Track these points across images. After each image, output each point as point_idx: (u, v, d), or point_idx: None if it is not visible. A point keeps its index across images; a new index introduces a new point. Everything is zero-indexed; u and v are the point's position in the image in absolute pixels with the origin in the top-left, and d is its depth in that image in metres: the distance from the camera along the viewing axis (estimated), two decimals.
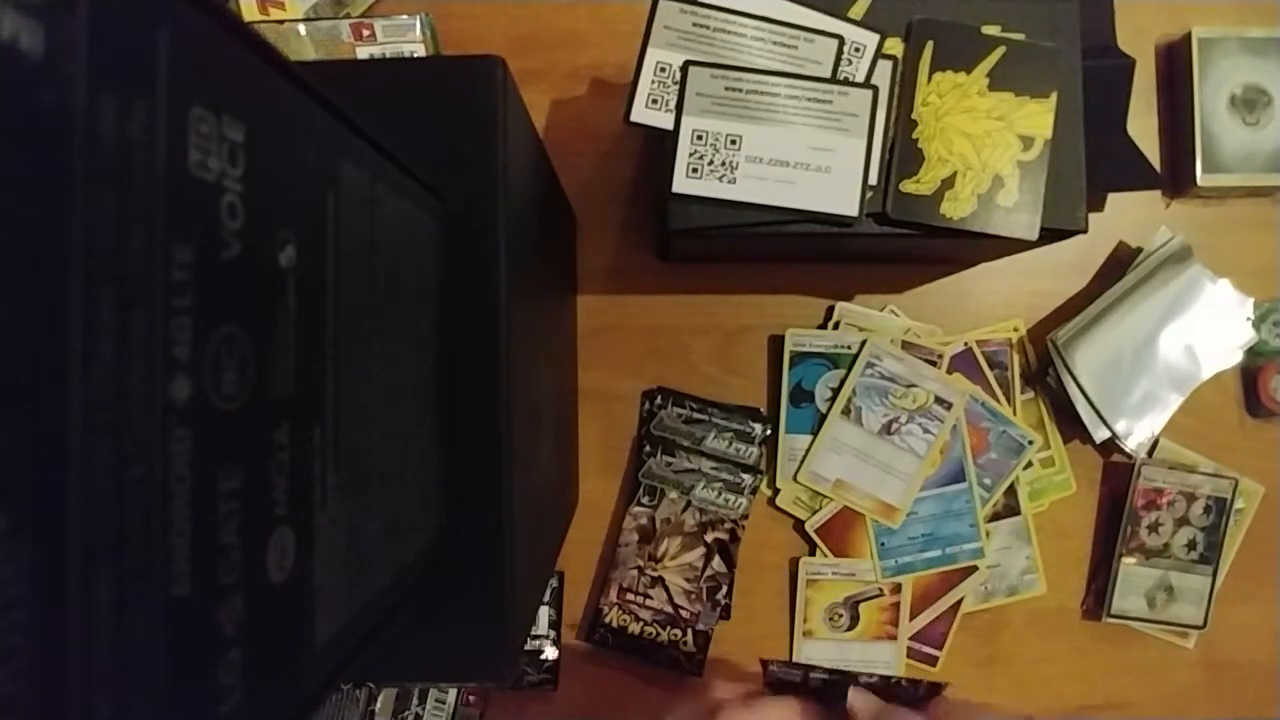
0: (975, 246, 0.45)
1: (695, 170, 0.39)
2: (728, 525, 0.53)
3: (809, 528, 0.54)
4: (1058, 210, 0.40)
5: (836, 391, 0.54)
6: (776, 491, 0.54)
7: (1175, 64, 0.56)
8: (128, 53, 0.11)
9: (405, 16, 0.53)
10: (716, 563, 0.53)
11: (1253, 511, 0.55)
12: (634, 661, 0.53)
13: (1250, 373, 0.56)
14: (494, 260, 0.28)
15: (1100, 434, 0.53)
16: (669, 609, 0.53)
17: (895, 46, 0.40)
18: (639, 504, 0.53)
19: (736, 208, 0.39)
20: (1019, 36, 0.40)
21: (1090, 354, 0.52)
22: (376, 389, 0.21)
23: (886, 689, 0.36)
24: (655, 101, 0.39)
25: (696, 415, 0.54)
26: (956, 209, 0.40)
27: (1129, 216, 0.56)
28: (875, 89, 0.39)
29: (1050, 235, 0.41)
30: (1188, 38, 0.54)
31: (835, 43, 0.39)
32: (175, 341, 0.12)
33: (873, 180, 0.39)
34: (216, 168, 0.13)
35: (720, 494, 0.53)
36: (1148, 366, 0.53)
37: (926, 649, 0.54)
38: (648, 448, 0.54)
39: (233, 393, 0.13)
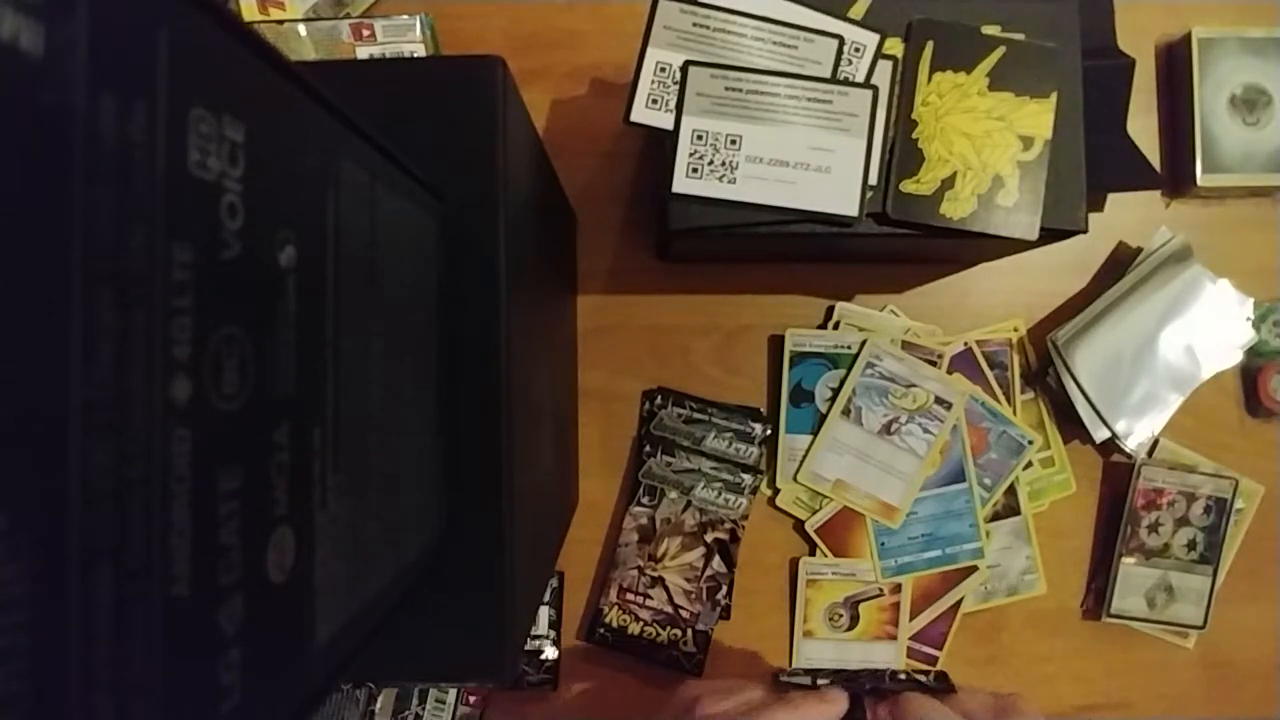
0: (975, 246, 0.45)
1: (695, 170, 0.39)
2: (728, 525, 0.53)
3: (809, 528, 0.54)
4: (1058, 210, 0.40)
5: (836, 391, 0.54)
6: (776, 491, 0.54)
7: (1175, 64, 0.56)
8: (128, 53, 0.11)
9: (405, 16, 0.53)
10: (716, 563, 0.53)
11: (1253, 511, 0.55)
12: (634, 661, 0.53)
13: (1250, 373, 0.56)
14: (494, 260, 0.28)
15: (1100, 434, 0.53)
16: (669, 609, 0.53)
17: (895, 46, 0.40)
18: (639, 504, 0.53)
19: (736, 208, 0.39)
20: (1019, 36, 0.40)
21: (1090, 354, 0.52)
22: (376, 389, 0.21)
23: (905, 686, 0.36)
24: (655, 101, 0.39)
25: (696, 415, 0.54)
26: (956, 209, 0.40)
27: (1129, 216, 0.56)
28: (875, 89, 0.39)
29: (1050, 235, 0.41)
30: (1188, 38, 0.54)
31: (835, 43, 0.39)
32: (175, 341, 0.12)
33: (873, 180, 0.39)
34: (216, 168, 0.13)
35: (720, 494, 0.53)
36: (1148, 366, 0.53)
37: (926, 649, 0.54)
38: (648, 448, 0.53)
39: (233, 393, 0.13)
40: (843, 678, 0.37)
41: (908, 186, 0.40)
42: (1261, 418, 0.56)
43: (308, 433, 0.17)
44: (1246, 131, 0.54)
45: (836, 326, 0.54)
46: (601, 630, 0.53)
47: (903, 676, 0.37)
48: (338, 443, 0.18)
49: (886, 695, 0.36)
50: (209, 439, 0.13)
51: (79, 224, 0.10)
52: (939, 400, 0.53)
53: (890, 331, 0.54)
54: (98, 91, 0.10)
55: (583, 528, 0.54)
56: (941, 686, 0.36)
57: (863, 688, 0.36)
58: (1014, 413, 0.55)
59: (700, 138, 0.39)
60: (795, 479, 0.54)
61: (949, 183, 0.40)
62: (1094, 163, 0.41)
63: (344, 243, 0.19)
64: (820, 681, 0.37)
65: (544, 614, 0.53)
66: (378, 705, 0.52)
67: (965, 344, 0.55)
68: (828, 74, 0.39)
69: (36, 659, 0.09)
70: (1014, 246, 0.42)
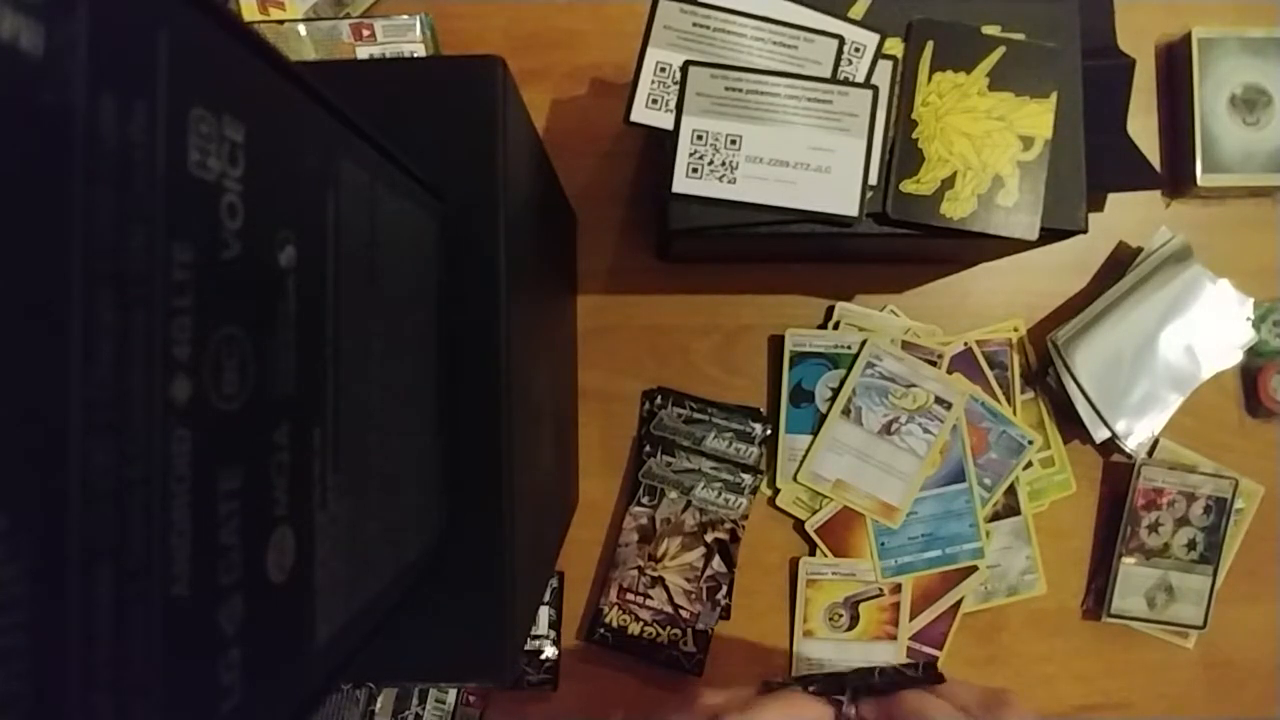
0: (975, 246, 0.45)
1: (695, 170, 0.39)
2: (728, 525, 0.53)
3: (809, 528, 0.54)
4: (1058, 210, 0.40)
5: (836, 391, 0.54)
6: (776, 491, 0.54)
7: (1175, 64, 0.56)
8: (128, 53, 0.11)
9: (405, 16, 0.53)
10: (716, 563, 0.53)
11: (1253, 511, 0.55)
12: (634, 661, 0.53)
13: (1250, 373, 0.56)
14: (494, 260, 0.28)
15: (1100, 434, 0.53)
16: (669, 609, 0.53)
17: (895, 46, 0.40)
18: (639, 504, 0.53)
19: (736, 208, 0.39)
20: (1019, 36, 0.40)
21: (1090, 354, 0.52)
22: (376, 389, 0.21)
23: (898, 681, 0.36)
24: (655, 101, 0.39)
25: (696, 415, 0.54)
26: (956, 209, 0.40)
27: (1129, 216, 0.56)
28: (875, 89, 0.39)
29: (1050, 235, 0.41)
30: (1188, 38, 0.54)
31: (835, 43, 0.39)
32: (175, 341, 0.12)
33: (873, 180, 0.39)
34: (216, 168, 0.13)
35: (720, 494, 0.53)
36: (1148, 366, 0.53)
37: (926, 649, 0.54)
38: (648, 448, 0.53)
39: (233, 393, 0.13)
40: (832, 679, 0.37)
41: (908, 186, 0.40)
42: (1261, 418, 0.56)
43: (308, 433, 0.17)
44: (1246, 131, 0.54)
45: (836, 326, 0.54)
46: (601, 630, 0.53)
47: (890, 670, 0.37)
48: (338, 443, 0.18)
49: (877, 693, 0.36)
50: (209, 439, 0.13)
51: (79, 224, 0.10)
52: (939, 400, 0.53)
53: (890, 331, 0.54)
54: (98, 91, 0.10)
55: (583, 528, 0.54)
56: (929, 676, 0.37)
57: (852, 686, 0.36)
58: (1014, 413, 0.55)
59: (700, 138, 0.39)
60: (795, 479, 0.54)
61: (949, 183, 0.40)
62: (1094, 163, 0.41)
63: (344, 243, 0.19)
64: (811, 688, 0.37)
65: (544, 614, 0.53)
66: (378, 705, 0.52)
67: (965, 344, 0.55)
68: (828, 74, 0.39)
69: (36, 659, 0.09)
70: (1014, 246, 0.42)
